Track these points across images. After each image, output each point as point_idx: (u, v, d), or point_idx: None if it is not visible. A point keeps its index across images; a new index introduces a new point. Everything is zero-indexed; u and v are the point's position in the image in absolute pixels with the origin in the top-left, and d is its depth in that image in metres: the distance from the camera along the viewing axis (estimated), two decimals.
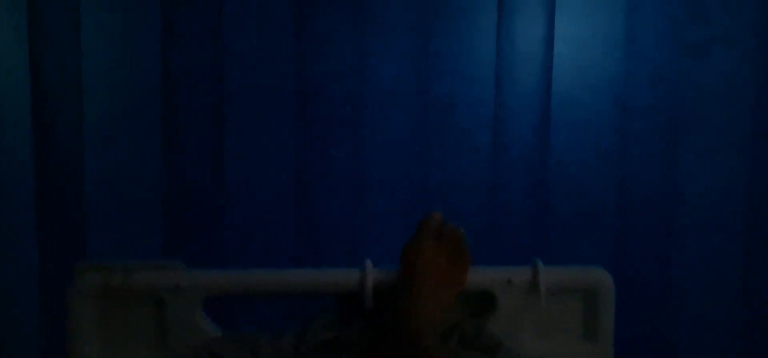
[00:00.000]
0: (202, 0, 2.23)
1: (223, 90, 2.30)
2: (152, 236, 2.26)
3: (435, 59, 2.50)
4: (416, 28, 2.48)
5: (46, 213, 2.21)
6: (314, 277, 1.79)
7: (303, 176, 2.42)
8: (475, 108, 2.50)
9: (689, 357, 2.57)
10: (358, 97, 2.46)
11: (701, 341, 2.58)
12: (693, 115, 2.56)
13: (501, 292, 1.76)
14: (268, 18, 2.30)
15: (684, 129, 2.56)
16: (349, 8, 2.34)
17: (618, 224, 2.56)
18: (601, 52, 2.53)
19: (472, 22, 2.50)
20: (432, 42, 2.49)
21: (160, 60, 2.23)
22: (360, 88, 2.46)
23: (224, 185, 2.27)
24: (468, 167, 2.51)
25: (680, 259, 2.59)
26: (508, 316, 1.75)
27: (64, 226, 2.18)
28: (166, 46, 2.24)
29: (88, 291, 1.66)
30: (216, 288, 1.68)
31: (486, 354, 1.77)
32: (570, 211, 2.55)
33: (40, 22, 2.16)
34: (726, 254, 2.58)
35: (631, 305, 2.59)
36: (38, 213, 2.19)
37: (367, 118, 2.47)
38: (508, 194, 2.53)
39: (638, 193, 2.58)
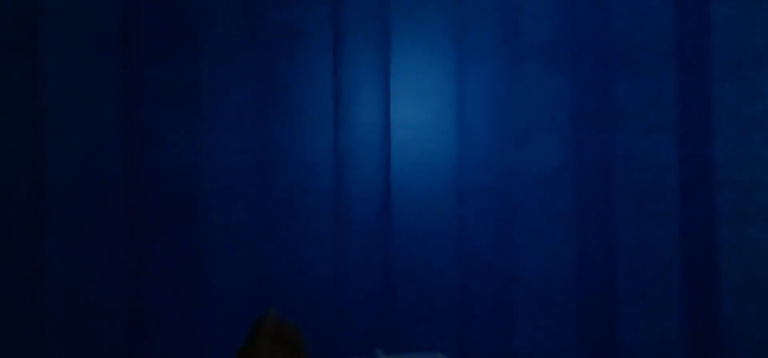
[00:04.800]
0: (17, 84, 1.39)
1: (41, 190, 1.54)
2: None
3: (273, 150, 1.98)
4: (252, 119, 1.96)
5: None
6: None
7: (134, 279, 1.89)
8: (316, 197, 2.00)
9: None
10: (192, 193, 1.89)
11: None
12: (522, 197, 2.14)
13: None
14: (93, 109, 1.55)
15: (515, 211, 2.13)
16: (180, 99, 1.72)
17: (459, 304, 2.10)
18: (436, 139, 2.09)
19: (309, 111, 2.00)
20: (269, 132, 1.98)
21: None
22: (194, 183, 1.89)
23: (42, 294, 1.43)
24: (310, 258, 2.00)
25: (519, 335, 2.13)
26: None
27: None
28: None
29: None
30: None
31: None
32: (413, 295, 2.07)
33: None
34: (561, 328, 2.15)
35: None
36: None
37: (202, 214, 1.89)
38: (352, 282, 2.04)
39: (477, 273, 2.12)
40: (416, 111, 2.06)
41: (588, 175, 2.17)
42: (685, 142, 2.17)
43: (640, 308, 2.16)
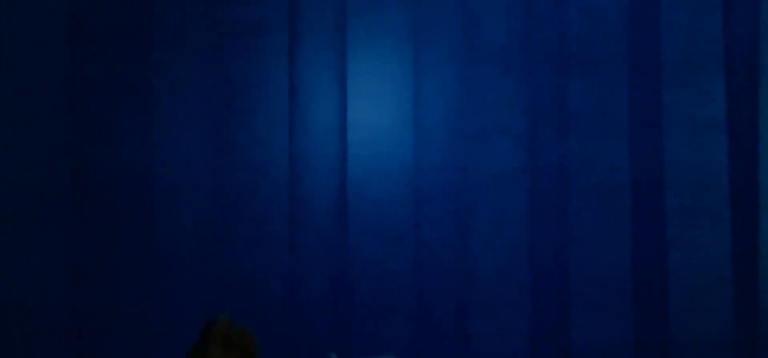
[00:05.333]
0: None
1: None
2: None
3: (227, 150, 1.86)
4: (205, 119, 1.85)
5: None
6: None
7: (81, 280, 1.74)
8: (271, 198, 1.89)
9: None
10: (145, 192, 1.77)
11: None
12: (477, 198, 2.06)
13: None
14: (40, 107, 1.47)
15: (470, 212, 2.05)
16: (133, 96, 1.69)
17: (415, 306, 2.01)
18: (393, 140, 1.99)
19: (264, 111, 1.88)
20: (223, 132, 1.86)
21: None
22: (145, 183, 1.77)
23: None
24: (265, 260, 1.88)
25: (474, 336, 2.04)
26: None
27: None
28: None
29: None
30: None
31: None
32: (368, 297, 1.98)
33: None
34: (515, 328, 2.07)
35: None
36: None
37: (153, 214, 1.77)
38: (307, 285, 1.93)
39: (433, 275, 2.04)
40: (373, 112, 1.98)
41: (542, 177, 2.12)
42: (636, 145, 2.13)
43: (592, 307, 2.11)
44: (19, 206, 1.57)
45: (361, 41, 1.97)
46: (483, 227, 2.06)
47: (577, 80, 2.12)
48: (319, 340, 1.93)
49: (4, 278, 1.57)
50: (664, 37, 2.10)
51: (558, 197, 2.11)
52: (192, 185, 1.81)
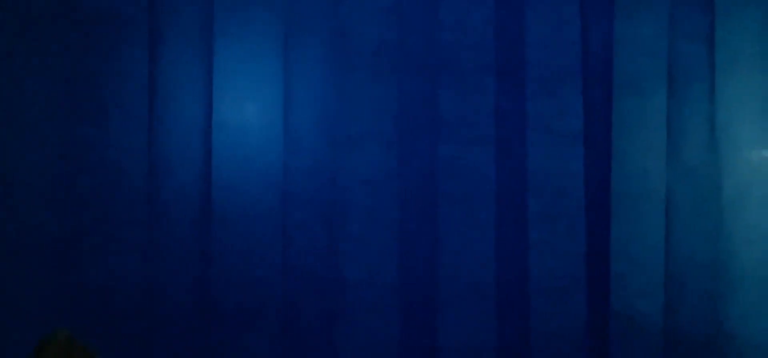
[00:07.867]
0: None
1: None
2: None
3: (79, 149, 1.62)
4: (54, 115, 1.59)
5: None
6: None
7: None
8: (128, 201, 1.67)
9: None
10: None
11: None
12: (347, 203, 1.92)
13: None
14: None
15: (340, 217, 1.91)
16: None
17: (283, 315, 1.83)
18: (261, 142, 1.82)
19: (121, 108, 1.65)
20: (75, 130, 1.61)
21: None
22: None
23: None
24: (120, 268, 1.65)
25: (342, 343, 1.90)
26: None
27: None
28: None
29: None
30: None
31: None
32: (234, 307, 1.78)
33: None
34: (383, 335, 1.93)
35: None
36: None
37: None
38: (167, 294, 1.72)
39: (302, 281, 1.87)
40: (240, 112, 1.79)
41: (412, 182, 2.00)
42: (501, 152, 2.04)
43: (458, 310, 2.00)
44: None
45: (229, 38, 1.77)
46: (353, 232, 1.92)
47: (446, 88, 2.01)
48: (180, 353, 1.71)
49: None
50: (528, 49, 2.03)
51: (427, 203, 1.99)
52: (35, 185, 1.56)
